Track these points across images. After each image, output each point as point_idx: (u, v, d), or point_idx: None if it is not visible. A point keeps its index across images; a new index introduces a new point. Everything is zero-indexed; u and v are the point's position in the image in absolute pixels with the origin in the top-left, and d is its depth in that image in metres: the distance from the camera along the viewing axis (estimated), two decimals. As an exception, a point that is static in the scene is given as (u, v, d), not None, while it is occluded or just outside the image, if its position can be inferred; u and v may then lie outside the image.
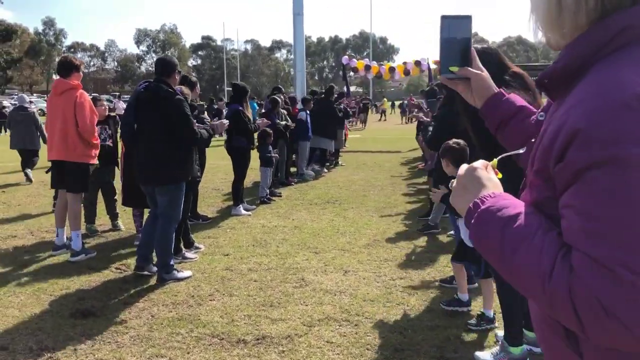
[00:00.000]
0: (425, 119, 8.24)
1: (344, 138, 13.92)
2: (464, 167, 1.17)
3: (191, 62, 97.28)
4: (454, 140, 4.01)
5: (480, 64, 1.51)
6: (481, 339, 3.82)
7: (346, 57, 19.53)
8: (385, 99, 45.68)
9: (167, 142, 4.88)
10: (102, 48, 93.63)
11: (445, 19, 1.44)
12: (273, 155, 8.84)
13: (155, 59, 5.36)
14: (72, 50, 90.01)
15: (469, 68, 1.48)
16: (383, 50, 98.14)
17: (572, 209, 0.92)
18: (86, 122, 5.67)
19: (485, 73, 1.52)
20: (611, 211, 0.87)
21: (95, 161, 5.96)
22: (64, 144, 5.69)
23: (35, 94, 70.38)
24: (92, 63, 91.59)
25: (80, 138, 5.70)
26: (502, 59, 3.09)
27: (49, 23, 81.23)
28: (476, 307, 4.27)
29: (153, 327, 4.03)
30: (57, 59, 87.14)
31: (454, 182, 1.17)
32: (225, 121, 5.46)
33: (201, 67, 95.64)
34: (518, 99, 1.56)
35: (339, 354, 3.59)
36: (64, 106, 5.68)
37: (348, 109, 15.24)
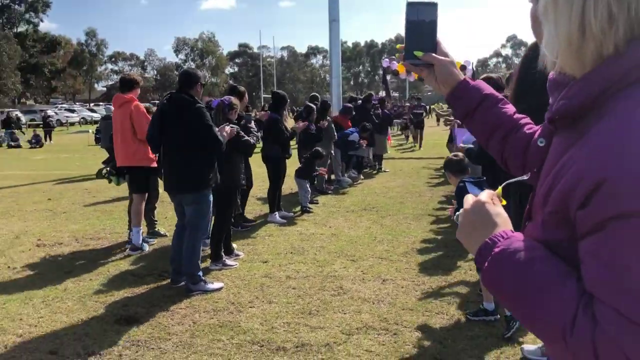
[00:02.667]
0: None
1: (386, 144, 13.86)
2: (470, 201, 1.10)
3: (228, 70, 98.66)
4: (453, 153, 4.45)
5: (446, 49, 1.45)
6: (518, 351, 3.77)
7: (387, 59, 19.37)
8: (439, 103, 42.94)
9: (189, 151, 4.96)
10: (141, 57, 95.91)
11: (410, 5, 1.42)
12: (317, 174, 9.00)
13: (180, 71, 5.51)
14: (113, 59, 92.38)
15: (434, 54, 1.42)
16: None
17: (597, 258, 0.88)
18: (144, 130, 6.07)
19: (451, 59, 1.44)
20: None
21: (155, 164, 6.51)
22: (125, 151, 6.45)
23: (77, 103, 72.61)
24: (132, 72, 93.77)
25: (138, 144, 6.38)
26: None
27: (90, 34, 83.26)
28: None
29: (195, 334, 4.11)
30: (98, 69, 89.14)
31: (460, 215, 1.12)
32: (234, 127, 5.45)
33: (238, 74, 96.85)
34: (484, 86, 1.48)
35: (378, 363, 3.60)
36: (121, 118, 6.42)
37: (390, 113, 15.14)
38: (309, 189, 8.97)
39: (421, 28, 1.42)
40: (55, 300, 4.91)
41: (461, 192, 4.09)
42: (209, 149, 5.01)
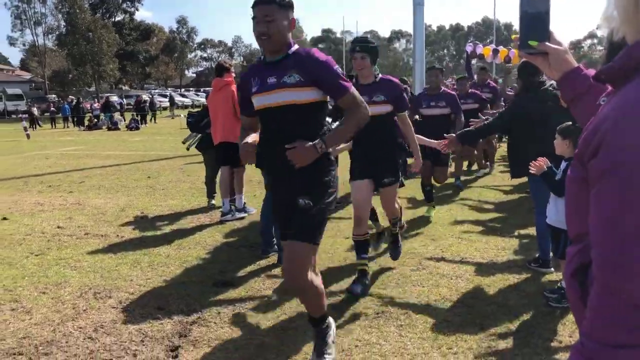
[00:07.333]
0: None
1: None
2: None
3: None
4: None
5: (559, 38, 1.54)
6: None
7: (471, 44, 19.03)
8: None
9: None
10: (229, 44, 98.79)
11: None
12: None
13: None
14: (202, 46, 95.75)
15: (548, 43, 1.52)
16: (507, 37, 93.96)
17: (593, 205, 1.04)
18: None
19: (564, 47, 1.53)
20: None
21: None
22: (225, 129, 7.03)
23: (169, 88, 75.87)
24: (220, 58, 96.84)
25: (237, 122, 6.83)
26: None
27: (182, 22, 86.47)
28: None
29: (285, 297, 4.50)
30: (189, 55, 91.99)
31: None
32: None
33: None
34: None
35: (454, 331, 3.82)
36: (222, 99, 7.05)
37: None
38: None
39: (535, 19, 1.52)
40: (160, 265, 5.46)
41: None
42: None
